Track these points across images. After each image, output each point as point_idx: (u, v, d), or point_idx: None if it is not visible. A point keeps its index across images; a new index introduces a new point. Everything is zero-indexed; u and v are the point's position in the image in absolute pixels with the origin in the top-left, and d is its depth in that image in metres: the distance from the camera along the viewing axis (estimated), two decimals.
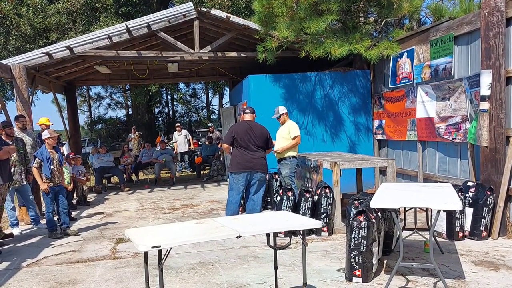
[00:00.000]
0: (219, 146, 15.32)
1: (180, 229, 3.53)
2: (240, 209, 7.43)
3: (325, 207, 6.44)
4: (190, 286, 4.63)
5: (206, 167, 15.14)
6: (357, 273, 4.46)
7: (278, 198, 6.72)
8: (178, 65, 12.26)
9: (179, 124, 17.76)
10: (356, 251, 4.46)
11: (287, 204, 6.55)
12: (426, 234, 5.80)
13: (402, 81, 8.86)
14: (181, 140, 16.35)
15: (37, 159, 7.00)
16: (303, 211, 6.45)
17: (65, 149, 12.03)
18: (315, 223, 3.56)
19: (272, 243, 3.70)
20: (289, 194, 6.60)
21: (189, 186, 12.76)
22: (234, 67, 14.24)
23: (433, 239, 5.48)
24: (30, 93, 9.86)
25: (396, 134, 9.14)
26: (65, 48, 9.59)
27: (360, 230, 4.47)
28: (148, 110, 24.40)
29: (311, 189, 6.66)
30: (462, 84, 6.86)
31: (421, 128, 8.12)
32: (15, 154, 7.46)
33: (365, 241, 4.45)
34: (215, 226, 3.46)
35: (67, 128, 14.00)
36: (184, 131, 16.83)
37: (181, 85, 29.65)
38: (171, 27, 10.19)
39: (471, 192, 6.06)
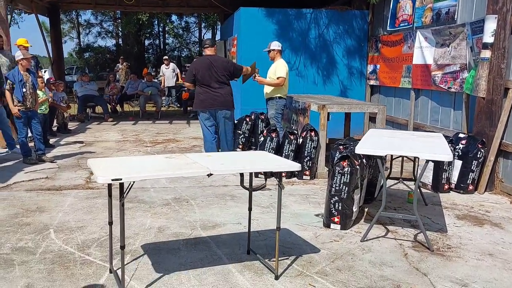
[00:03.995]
0: None
1: (147, 163, 3.26)
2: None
3: (309, 151, 6.20)
4: (161, 222, 4.43)
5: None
6: (336, 219, 4.27)
7: (262, 138, 6.46)
8: None
9: (167, 57, 17.15)
10: (336, 197, 4.25)
11: (270, 145, 6.30)
12: (411, 185, 5.65)
13: (401, 24, 8.42)
14: (168, 74, 15.83)
15: (8, 81, 6.61)
16: (286, 153, 6.21)
17: (47, 75, 11.59)
18: (292, 165, 3.30)
19: (246, 184, 3.45)
20: (273, 135, 6.33)
21: (174, 121, 12.46)
22: None
23: (410, 189, 5.30)
24: (8, 11, 9.27)
25: (390, 80, 8.81)
26: None
27: (343, 176, 4.24)
28: (138, 41, 23.61)
29: (296, 132, 6.39)
30: (464, 30, 6.47)
31: (416, 75, 7.78)
32: None
33: (346, 188, 4.23)
34: (186, 162, 3.19)
35: (50, 53, 13.43)
36: (172, 65, 16.27)
37: (174, 18, 28.57)
38: None
39: (461, 144, 5.83)
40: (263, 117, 8.25)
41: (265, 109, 8.22)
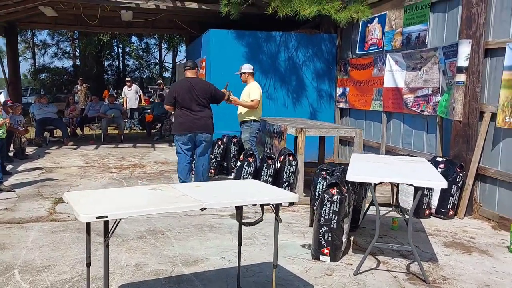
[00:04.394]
0: None
1: (132, 196, 2.97)
2: (192, 172, 6.88)
3: (287, 176, 6.02)
4: (138, 258, 4.10)
5: (157, 126, 14.38)
6: (325, 251, 4.07)
7: (238, 163, 6.24)
8: (132, 13, 11.33)
9: (129, 78, 16.75)
10: (325, 227, 4.06)
11: (247, 170, 6.08)
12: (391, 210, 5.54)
13: (370, 48, 8.46)
14: (131, 95, 15.40)
15: None
16: (264, 178, 6.01)
17: (2, 97, 11.01)
18: (292, 197, 3.08)
19: (235, 215, 3.21)
20: (250, 160, 6.13)
21: (138, 144, 12.05)
22: (194, 20, 13.35)
23: (401, 216, 5.19)
24: None
25: (360, 103, 8.80)
26: None
27: (332, 205, 4.06)
28: (98, 62, 23.02)
29: (273, 156, 6.21)
30: (436, 54, 6.52)
31: (387, 98, 7.79)
32: None
33: (336, 217, 4.05)
34: (174, 194, 2.93)
35: (6, 74, 12.81)
36: (135, 86, 15.86)
37: (134, 39, 28.13)
38: None
39: (440, 168, 5.79)
40: (235, 140, 8.06)
41: (237, 131, 8.02)
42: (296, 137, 7.17)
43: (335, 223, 4.05)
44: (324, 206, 4.08)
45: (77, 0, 9.74)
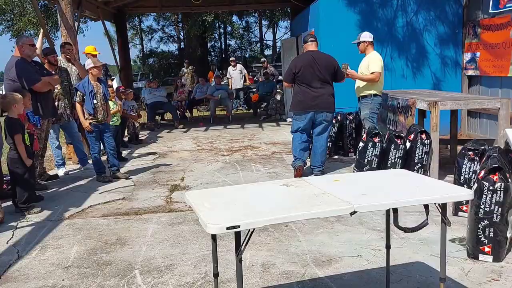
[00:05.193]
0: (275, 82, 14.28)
1: (262, 194, 2.51)
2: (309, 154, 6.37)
3: (420, 157, 5.27)
4: (263, 256, 3.69)
5: (262, 105, 14.06)
6: (486, 249, 3.36)
7: (361, 144, 5.61)
8: None
9: (233, 58, 16.59)
10: (486, 221, 3.34)
11: (372, 152, 5.44)
12: None
13: (507, 5, 7.25)
14: (236, 75, 15.26)
15: (79, 92, 6.14)
16: (393, 160, 5.33)
17: (115, 83, 11.30)
18: (468, 194, 2.40)
19: (393, 220, 2.62)
20: (376, 140, 5.47)
21: (246, 125, 11.80)
22: None
23: None
24: (75, 19, 8.95)
25: (495, 69, 7.66)
26: None
27: (494, 194, 3.32)
28: (201, 44, 23.25)
29: (402, 135, 5.49)
30: None
31: None
32: (58, 86, 6.66)
33: (500, 209, 3.31)
34: (312, 192, 2.42)
35: (118, 61, 13.17)
36: (239, 66, 15.69)
37: (234, 18, 28.12)
38: None
39: None
40: (351, 117, 7.42)
41: (352, 108, 7.40)
42: (422, 112, 6.40)
43: (498, 216, 3.31)
44: (484, 196, 3.35)
45: None
